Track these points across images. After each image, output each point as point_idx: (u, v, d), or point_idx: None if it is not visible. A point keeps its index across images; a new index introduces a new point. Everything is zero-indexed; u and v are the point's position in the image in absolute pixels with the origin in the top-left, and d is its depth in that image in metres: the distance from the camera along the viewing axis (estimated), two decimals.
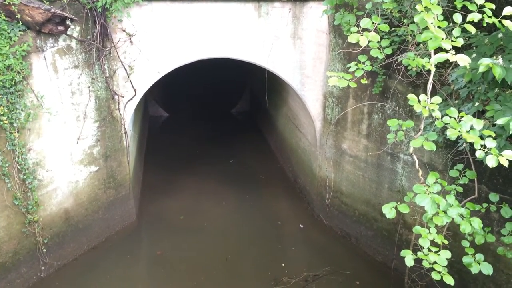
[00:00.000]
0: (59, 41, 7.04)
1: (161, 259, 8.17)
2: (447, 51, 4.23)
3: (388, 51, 5.39)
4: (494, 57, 4.51)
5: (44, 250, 7.41)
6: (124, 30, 7.71)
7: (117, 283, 7.57)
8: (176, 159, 12.71)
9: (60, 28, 6.82)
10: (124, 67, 7.89)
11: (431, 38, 4.03)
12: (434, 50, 4.44)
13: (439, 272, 4.48)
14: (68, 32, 7.07)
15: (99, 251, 8.37)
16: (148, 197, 10.47)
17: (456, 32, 4.30)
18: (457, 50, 4.98)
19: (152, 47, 8.04)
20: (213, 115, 17.25)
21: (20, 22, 6.46)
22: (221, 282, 7.60)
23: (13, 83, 6.41)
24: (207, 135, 14.87)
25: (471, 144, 4.90)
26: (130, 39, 7.79)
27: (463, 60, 4.08)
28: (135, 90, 8.14)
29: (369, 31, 4.61)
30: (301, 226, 9.36)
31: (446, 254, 4.52)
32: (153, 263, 8.10)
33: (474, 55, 5.12)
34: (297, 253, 8.54)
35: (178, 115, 17.41)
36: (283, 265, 8.05)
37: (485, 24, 4.35)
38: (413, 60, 4.74)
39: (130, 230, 9.10)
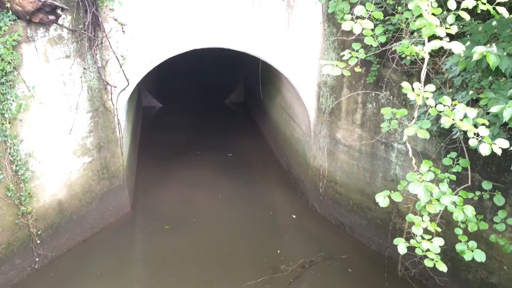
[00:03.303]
0: (50, 30, 6.94)
1: (156, 250, 8.16)
2: (441, 39, 4.21)
3: (382, 38, 5.36)
4: (488, 45, 4.50)
5: (38, 241, 7.38)
6: (116, 20, 7.61)
7: (112, 274, 7.56)
8: (170, 150, 12.67)
9: (51, 17, 6.73)
10: (116, 57, 7.81)
11: (425, 25, 4.01)
12: (428, 38, 4.42)
13: (432, 260, 4.51)
14: (59, 22, 6.98)
15: (94, 242, 8.35)
16: (143, 188, 10.44)
17: (450, 19, 4.28)
18: (451, 38, 4.96)
19: (145, 37, 7.96)
20: (207, 105, 17.18)
21: (10, 11, 6.36)
22: (218, 272, 7.57)
23: (3, 73, 6.33)
24: (201, 126, 14.83)
25: (465, 133, 4.92)
26: (122, 28, 7.70)
27: (457, 47, 4.06)
28: (127, 80, 8.07)
29: (363, 19, 4.58)
30: (294, 216, 9.37)
31: (439, 242, 4.54)
32: (148, 255, 8.10)
33: (468, 43, 5.10)
34: (292, 242, 8.58)
35: (172, 106, 17.32)
36: (278, 251, 8.11)
37: (479, 11, 4.33)
38: (407, 47, 4.72)
39: (125, 221, 9.08)
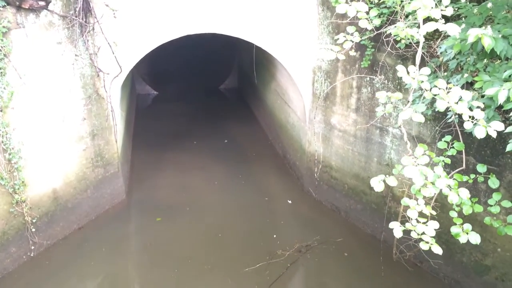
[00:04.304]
0: (41, 16, 6.83)
1: (153, 237, 8.16)
2: (436, 21, 4.18)
3: (377, 21, 5.32)
4: (484, 27, 4.47)
5: (33, 229, 7.36)
6: (107, 5, 7.50)
7: (107, 261, 7.56)
8: (165, 137, 12.64)
9: (41, 3, 6.61)
10: (108, 43, 7.71)
11: (420, 8, 3.97)
12: (423, 21, 4.39)
13: (427, 242, 4.53)
14: (50, 8, 6.86)
15: (89, 230, 8.33)
16: (138, 176, 10.42)
17: (446, 0, 4.24)
18: (446, 21, 4.93)
19: (137, 23, 7.86)
20: (201, 92, 17.12)
21: None
22: (217, 260, 7.55)
23: None
24: (195, 113, 14.79)
25: (460, 116, 4.91)
26: (114, 14, 7.59)
27: (453, 29, 4.03)
28: (120, 67, 7.98)
29: (358, 1, 4.54)
30: (289, 202, 9.39)
31: (434, 225, 4.56)
32: (145, 242, 8.09)
33: (463, 25, 5.07)
34: (288, 227, 8.61)
35: (166, 92, 17.26)
36: (275, 236, 8.16)
37: None
38: (402, 30, 4.68)
39: (120, 209, 9.07)
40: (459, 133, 5.62)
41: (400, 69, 4.50)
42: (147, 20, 7.89)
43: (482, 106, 4.46)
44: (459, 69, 5.66)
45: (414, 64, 4.74)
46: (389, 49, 6.72)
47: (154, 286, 6.99)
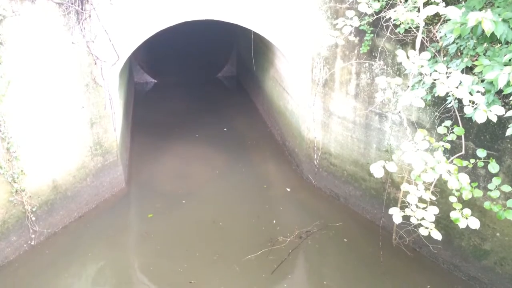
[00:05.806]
0: (36, 4, 6.75)
1: (152, 226, 8.17)
2: (437, 4, 4.14)
3: (376, 5, 5.27)
4: (484, 11, 4.43)
5: (33, 218, 7.36)
6: None
7: (108, 249, 7.59)
8: (164, 126, 12.60)
9: None
10: (105, 30, 7.64)
11: None
12: (423, 5, 4.34)
13: (427, 228, 4.55)
14: None
15: (89, 218, 8.35)
16: (137, 164, 10.41)
17: None
18: (446, 5, 4.88)
19: (134, 9, 7.78)
20: (199, 80, 17.02)
21: None
22: (220, 247, 7.58)
23: None
24: (194, 101, 14.72)
25: (459, 101, 4.89)
26: (110, 0, 7.51)
27: (453, 12, 3.99)
28: (118, 54, 7.92)
29: None
30: (288, 190, 9.39)
31: (433, 210, 4.57)
32: (144, 230, 8.11)
33: (463, 9, 5.02)
34: (288, 214, 8.63)
35: (164, 81, 17.16)
36: (275, 222, 8.20)
37: None
38: (402, 14, 4.64)
39: (120, 197, 9.07)
40: (459, 118, 5.60)
41: (400, 53, 4.47)
42: (144, 6, 7.81)
43: (483, 90, 4.45)
44: (459, 53, 5.62)
45: (413, 49, 4.71)
46: (388, 34, 6.67)
47: (159, 276, 7.02)
